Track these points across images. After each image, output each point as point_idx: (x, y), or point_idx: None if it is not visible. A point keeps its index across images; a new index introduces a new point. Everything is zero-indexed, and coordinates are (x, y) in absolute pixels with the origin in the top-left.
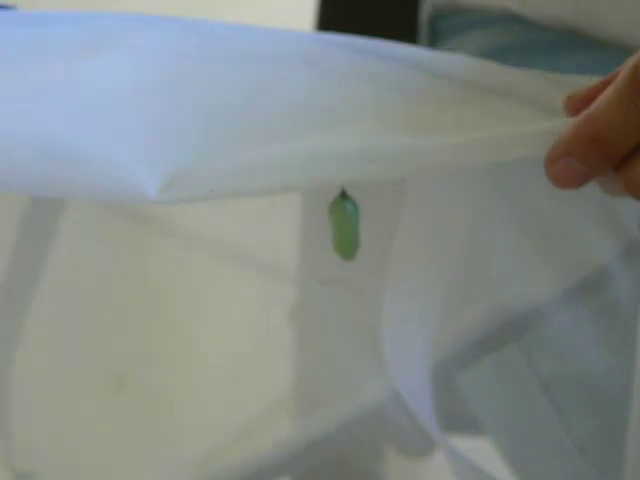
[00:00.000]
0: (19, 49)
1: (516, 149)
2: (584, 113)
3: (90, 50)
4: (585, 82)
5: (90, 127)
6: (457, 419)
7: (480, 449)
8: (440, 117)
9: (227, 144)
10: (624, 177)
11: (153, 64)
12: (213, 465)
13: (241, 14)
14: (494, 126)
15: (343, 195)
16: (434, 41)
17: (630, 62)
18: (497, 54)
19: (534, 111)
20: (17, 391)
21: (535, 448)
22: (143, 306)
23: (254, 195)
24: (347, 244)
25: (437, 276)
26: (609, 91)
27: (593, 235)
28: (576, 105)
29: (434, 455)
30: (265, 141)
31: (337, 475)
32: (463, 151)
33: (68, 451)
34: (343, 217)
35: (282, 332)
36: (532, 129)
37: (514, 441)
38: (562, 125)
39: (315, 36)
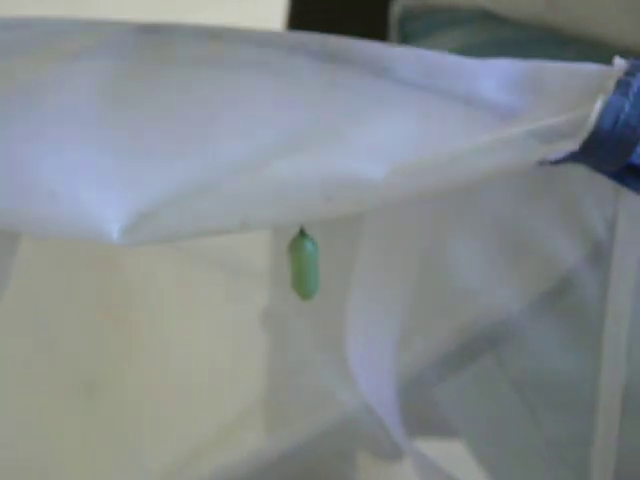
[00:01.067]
0: None
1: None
2: None
3: (39, 59)
4: None
5: (52, 155)
6: (429, 422)
7: (453, 452)
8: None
9: (188, 180)
10: None
11: (105, 74)
12: (182, 475)
13: (212, 15)
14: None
15: (302, 234)
16: (405, 42)
17: None
18: (469, 53)
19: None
20: None
21: (508, 450)
22: (111, 313)
23: (215, 235)
24: (306, 284)
25: (401, 285)
26: None
27: (559, 238)
28: None
29: (404, 459)
30: (225, 172)
31: None
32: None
33: (36, 457)
34: (302, 256)
35: (254, 339)
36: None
37: (487, 444)
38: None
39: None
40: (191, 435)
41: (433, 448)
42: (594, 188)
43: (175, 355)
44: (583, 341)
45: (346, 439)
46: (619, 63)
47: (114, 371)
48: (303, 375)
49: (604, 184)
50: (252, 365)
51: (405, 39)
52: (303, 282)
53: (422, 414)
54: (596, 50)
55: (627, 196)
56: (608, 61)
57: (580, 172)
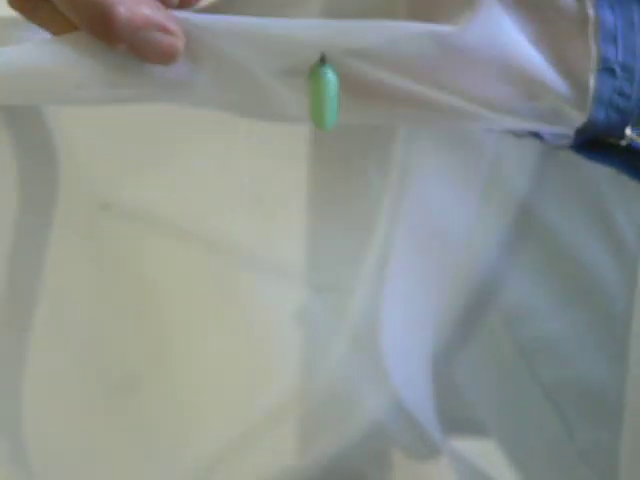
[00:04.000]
0: None
1: None
2: None
3: None
4: None
5: None
6: (462, 422)
7: (487, 451)
8: None
9: None
10: None
11: None
12: (215, 472)
13: None
14: None
15: (322, 60)
16: None
17: None
18: None
19: None
20: (26, 393)
21: (538, 454)
22: (142, 313)
23: None
24: (324, 113)
25: (436, 278)
26: None
27: (587, 239)
28: None
29: (440, 459)
30: None
31: None
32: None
33: (76, 451)
34: (321, 84)
35: (288, 338)
36: None
37: (518, 447)
38: None
39: None
40: (223, 435)
41: (467, 447)
42: (623, 193)
43: (208, 355)
44: (612, 348)
45: (380, 440)
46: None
47: (145, 371)
48: (336, 376)
49: (633, 189)
50: (286, 365)
51: None
52: (321, 111)
53: (457, 415)
54: None
55: None
56: None
57: (608, 176)
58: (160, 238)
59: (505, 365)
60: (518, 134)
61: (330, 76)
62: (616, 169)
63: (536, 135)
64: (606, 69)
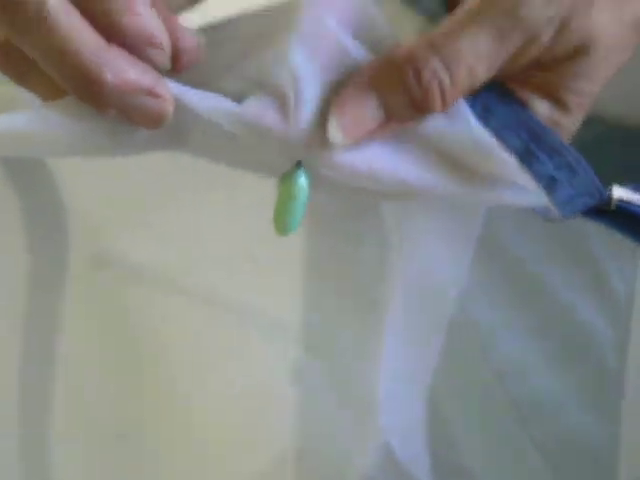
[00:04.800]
0: None
1: None
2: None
3: None
4: None
5: None
6: (455, 472)
7: None
8: None
9: None
10: None
11: None
12: None
13: None
14: None
15: (298, 166)
16: None
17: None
18: None
19: None
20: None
21: None
22: (141, 364)
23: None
24: (286, 217)
25: (431, 336)
26: None
27: (580, 299)
28: None
29: None
30: None
31: None
32: None
33: None
34: (291, 187)
35: (283, 394)
36: None
37: None
38: None
39: None
40: None
41: None
42: (615, 251)
43: (205, 407)
44: (603, 406)
45: None
46: None
47: (142, 422)
48: (331, 434)
49: (624, 246)
50: (281, 423)
51: None
52: (284, 215)
53: (450, 465)
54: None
55: None
56: None
57: (601, 233)
58: (158, 294)
59: (498, 418)
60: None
61: (302, 182)
62: (607, 226)
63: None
64: (548, 180)
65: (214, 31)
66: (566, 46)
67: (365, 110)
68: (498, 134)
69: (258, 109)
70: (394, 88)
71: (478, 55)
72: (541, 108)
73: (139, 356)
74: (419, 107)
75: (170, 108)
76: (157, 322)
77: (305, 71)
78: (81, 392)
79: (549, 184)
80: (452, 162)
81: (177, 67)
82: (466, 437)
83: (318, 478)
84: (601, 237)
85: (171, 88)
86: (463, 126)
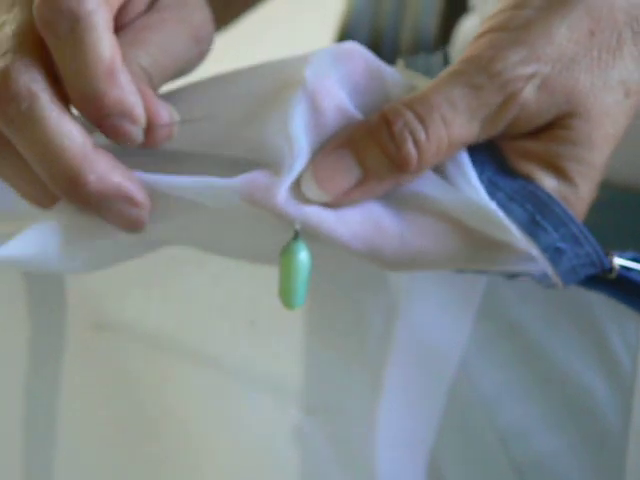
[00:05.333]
0: None
1: None
2: None
3: None
4: None
5: None
6: None
7: None
8: None
9: None
10: None
11: None
12: None
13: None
14: None
15: (296, 238)
16: None
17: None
18: None
19: None
20: None
21: None
22: (144, 425)
23: None
24: (292, 292)
25: (431, 400)
26: None
27: (581, 363)
28: None
29: None
30: None
31: None
32: None
33: None
34: (292, 261)
35: (286, 457)
36: None
37: None
38: None
39: None
40: None
41: None
42: (616, 316)
43: (207, 470)
44: (606, 469)
45: None
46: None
47: None
48: None
49: (626, 312)
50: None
51: None
52: (289, 290)
53: None
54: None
55: None
56: None
57: (603, 299)
58: (160, 357)
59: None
60: (508, 277)
61: (302, 257)
62: (608, 296)
63: (525, 274)
64: (553, 251)
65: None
66: (555, 108)
67: (340, 165)
68: (504, 206)
69: (246, 180)
70: (368, 143)
71: (453, 107)
72: (546, 181)
73: (141, 419)
74: (395, 162)
75: (147, 216)
76: (158, 385)
77: (303, 143)
78: (82, 456)
79: (554, 255)
80: (459, 230)
81: (149, 142)
82: None
83: None
84: (603, 302)
85: (154, 179)
86: (470, 194)
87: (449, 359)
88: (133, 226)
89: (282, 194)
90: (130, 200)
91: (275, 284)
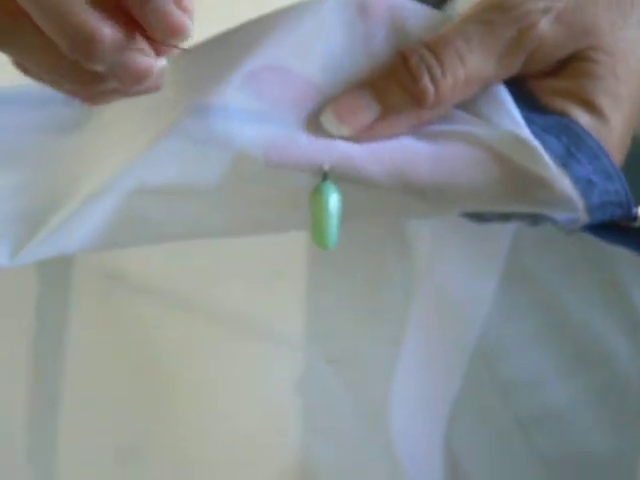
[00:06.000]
0: None
1: None
2: None
3: None
4: None
5: None
6: None
7: None
8: None
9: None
10: None
11: None
12: None
13: None
14: None
15: (325, 179)
16: None
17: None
18: None
19: None
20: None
21: None
22: (146, 381)
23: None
24: (325, 232)
25: (452, 356)
26: None
27: (599, 314)
28: None
29: None
30: None
31: None
32: None
33: None
34: (323, 202)
35: (288, 403)
36: None
37: None
38: None
39: None
40: None
41: None
42: (638, 268)
43: (211, 423)
44: (621, 421)
45: None
46: None
47: (148, 437)
48: (340, 449)
49: None
50: (286, 433)
51: None
52: (322, 230)
53: None
54: None
55: None
56: None
57: (627, 256)
58: (165, 308)
59: (502, 437)
60: (532, 222)
61: (333, 198)
62: (631, 250)
63: (549, 219)
64: (585, 183)
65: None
66: (572, 42)
67: (360, 102)
68: (539, 137)
69: (266, 144)
70: (387, 81)
71: (468, 43)
72: (579, 116)
73: (146, 369)
74: (413, 96)
75: (155, 65)
76: (163, 336)
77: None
78: (93, 406)
79: (586, 187)
80: (492, 159)
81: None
82: (470, 456)
83: None
84: (623, 253)
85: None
86: (507, 125)
87: (473, 319)
88: (143, 76)
89: (304, 143)
90: (142, 49)
91: (294, 238)
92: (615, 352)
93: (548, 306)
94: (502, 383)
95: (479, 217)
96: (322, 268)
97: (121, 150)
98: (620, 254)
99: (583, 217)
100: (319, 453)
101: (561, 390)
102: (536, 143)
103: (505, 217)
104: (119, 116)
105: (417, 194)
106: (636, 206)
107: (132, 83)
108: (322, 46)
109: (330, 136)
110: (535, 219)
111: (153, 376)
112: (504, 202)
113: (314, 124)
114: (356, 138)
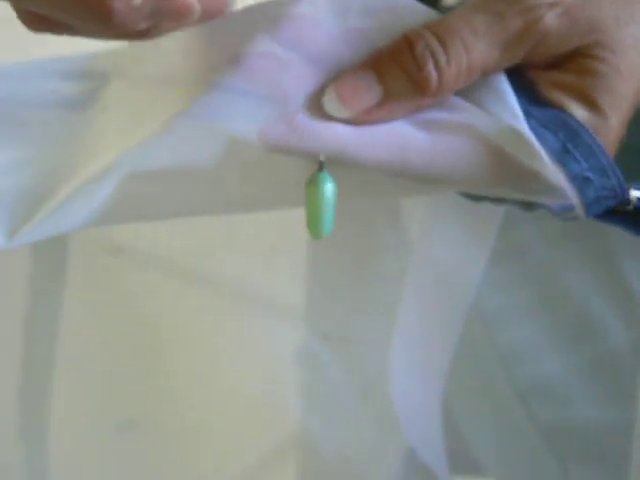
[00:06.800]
0: None
1: None
2: None
3: None
4: None
5: None
6: (463, 462)
7: None
8: None
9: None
10: None
11: None
12: None
13: None
14: None
15: (321, 169)
16: None
17: None
18: None
19: None
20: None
21: None
22: (151, 350)
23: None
24: (319, 222)
25: (446, 325)
26: None
27: (591, 287)
28: None
29: None
30: None
31: None
32: None
33: None
34: (318, 192)
35: (288, 374)
36: None
37: None
38: None
39: None
40: (225, 470)
41: None
42: (632, 247)
43: (211, 395)
44: (614, 392)
45: None
46: None
47: (149, 409)
48: (341, 422)
49: None
50: (285, 403)
51: None
52: (317, 220)
53: (457, 455)
54: None
55: None
56: None
57: (621, 234)
58: (166, 280)
59: (502, 405)
60: (527, 208)
61: (328, 188)
62: (626, 230)
63: (544, 206)
64: (581, 180)
65: None
66: (577, 37)
67: (362, 83)
68: (537, 132)
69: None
70: (390, 64)
71: (474, 32)
72: (577, 111)
73: (147, 341)
74: (416, 83)
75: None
76: (165, 309)
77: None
78: (92, 380)
79: (582, 185)
80: (490, 151)
81: None
82: (471, 425)
83: (325, 465)
84: (622, 239)
85: None
86: (506, 118)
87: (465, 291)
88: (186, 12)
89: (301, 126)
90: None
91: (294, 212)
92: (607, 325)
93: (541, 279)
94: (501, 352)
95: (474, 197)
96: (318, 243)
97: (123, 133)
98: (615, 233)
99: (579, 210)
100: (316, 424)
101: (555, 361)
102: (533, 139)
103: (499, 201)
104: (122, 97)
105: (412, 181)
106: (628, 190)
107: (176, 19)
108: (321, 32)
109: (328, 119)
110: (530, 205)
111: (152, 350)
112: (499, 191)
113: (313, 107)
114: (355, 121)
